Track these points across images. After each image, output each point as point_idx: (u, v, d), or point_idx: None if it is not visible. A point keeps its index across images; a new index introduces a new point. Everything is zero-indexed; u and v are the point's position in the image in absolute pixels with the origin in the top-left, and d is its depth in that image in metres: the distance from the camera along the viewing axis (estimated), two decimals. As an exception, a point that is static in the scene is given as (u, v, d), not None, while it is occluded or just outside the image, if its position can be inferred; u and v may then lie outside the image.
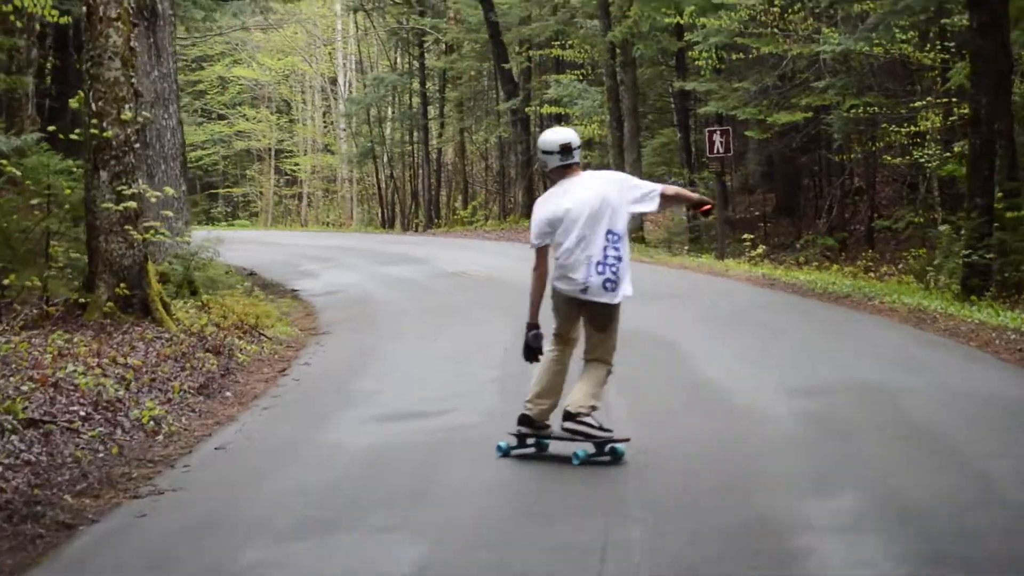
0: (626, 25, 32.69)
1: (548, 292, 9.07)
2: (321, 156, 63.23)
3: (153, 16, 18.46)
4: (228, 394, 12.14)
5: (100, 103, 13.79)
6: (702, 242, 33.36)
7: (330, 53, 62.25)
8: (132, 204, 13.80)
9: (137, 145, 14.24)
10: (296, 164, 64.43)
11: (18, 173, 14.02)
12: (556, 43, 41.71)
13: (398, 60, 55.80)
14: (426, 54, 51.47)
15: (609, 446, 8.76)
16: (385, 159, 55.58)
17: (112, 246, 13.88)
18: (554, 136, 9.12)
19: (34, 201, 14.40)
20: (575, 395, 8.92)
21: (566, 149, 8.97)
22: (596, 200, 8.85)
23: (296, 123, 66.33)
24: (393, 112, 55.25)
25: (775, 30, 27.82)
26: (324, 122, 64.98)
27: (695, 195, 9.80)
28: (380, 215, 54.95)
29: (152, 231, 14.36)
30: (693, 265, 26.03)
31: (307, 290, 24.89)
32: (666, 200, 9.23)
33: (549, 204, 9.02)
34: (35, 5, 14.32)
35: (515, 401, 9.80)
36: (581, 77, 40.13)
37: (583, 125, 40.22)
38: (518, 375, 12.14)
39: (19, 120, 18.16)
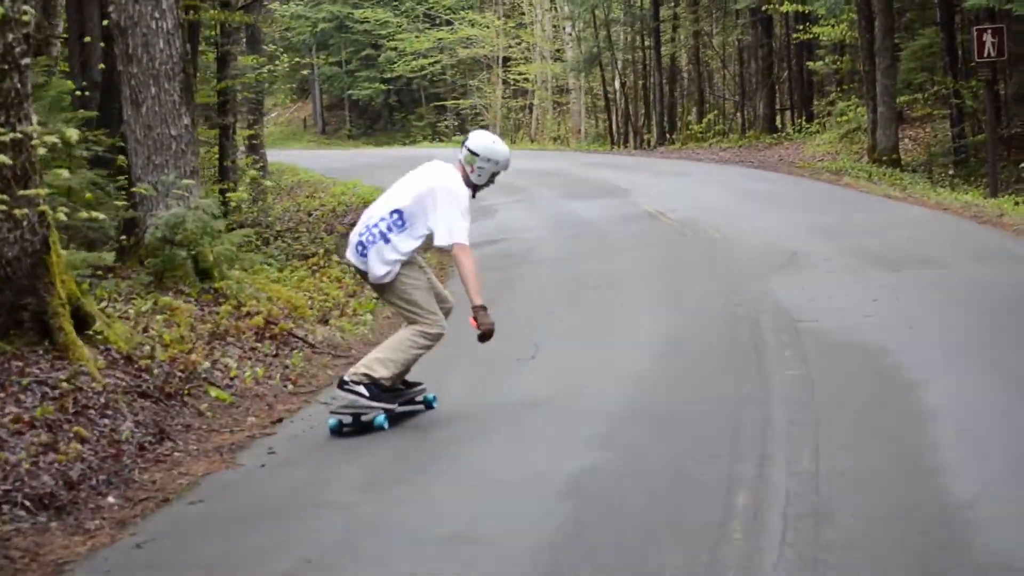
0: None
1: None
2: (549, 64, 57.28)
3: None
4: (111, 500, 7.11)
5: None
6: (970, 166, 27.15)
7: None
8: (3, 159, 8.04)
9: (25, 61, 8.48)
10: (521, 73, 59.06)
11: None
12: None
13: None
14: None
15: (373, 417, 8.40)
16: (618, 66, 49.94)
17: (-18, 227, 8.38)
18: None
19: None
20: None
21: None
22: (414, 179, 8.75)
23: (523, 28, 60.89)
24: (623, 13, 49.43)
25: None
26: (553, 26, 59.17)
27: (477, 293, 8.49)
28: (608, 130, 49.28)
29: (45, 206, 8.88)
30: (955, 205, 20.06)
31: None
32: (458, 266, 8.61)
33: None
34: None
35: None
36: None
37: (830, 25, 34.18)
38: (597, 507, 6.68)
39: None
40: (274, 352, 10.87)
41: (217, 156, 28.51)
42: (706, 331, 11.09)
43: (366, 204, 28.80)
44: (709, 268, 14.86)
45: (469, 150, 8.65)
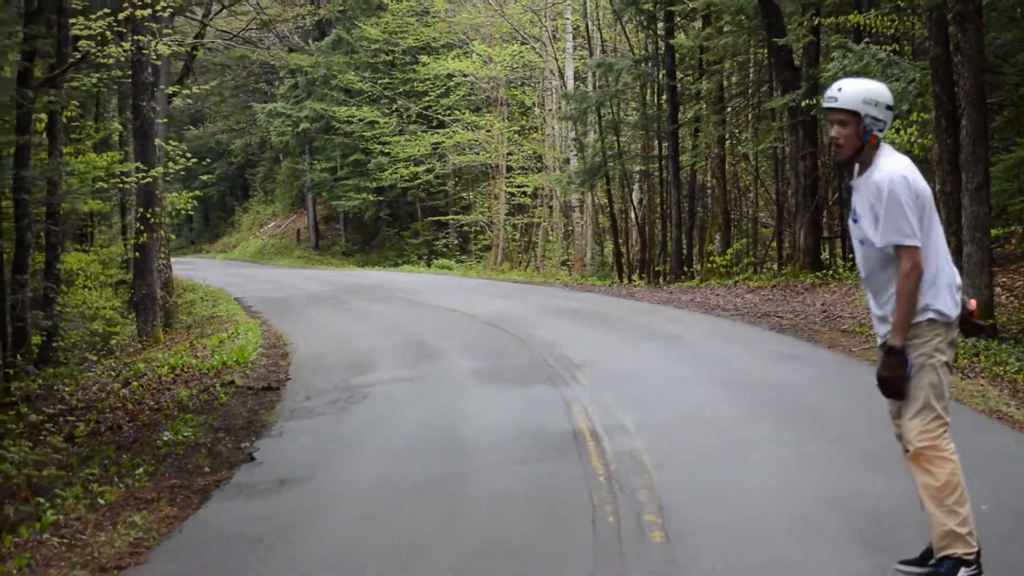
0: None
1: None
2: (554, 175, 47.42)
3: None
4: None
5: None
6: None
7: (554, 33, 47.02)
8: None
9: None
10: (520, 186, 49.77)
11: None
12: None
13: (647, 43, 40.84)
14: (676, 32, 36.58)
15: None
16: (630, 180, 40.92)
17: None
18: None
19: None
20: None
21: None
22: None
23: (524, 133, 51.71)
24: (638, 115, 40.36)
25: None
26: (561, 130, 49.70)
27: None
28: (615, 259, 39.88)
29: None
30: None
31: (263, 464, 12.26)
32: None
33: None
34: None
35: None
36: (895, 52, 24.80)
37: (893, 128, 24.71)
38: None
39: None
40: None
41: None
42: None
43: (208, 370, 19.84)
44: None
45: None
